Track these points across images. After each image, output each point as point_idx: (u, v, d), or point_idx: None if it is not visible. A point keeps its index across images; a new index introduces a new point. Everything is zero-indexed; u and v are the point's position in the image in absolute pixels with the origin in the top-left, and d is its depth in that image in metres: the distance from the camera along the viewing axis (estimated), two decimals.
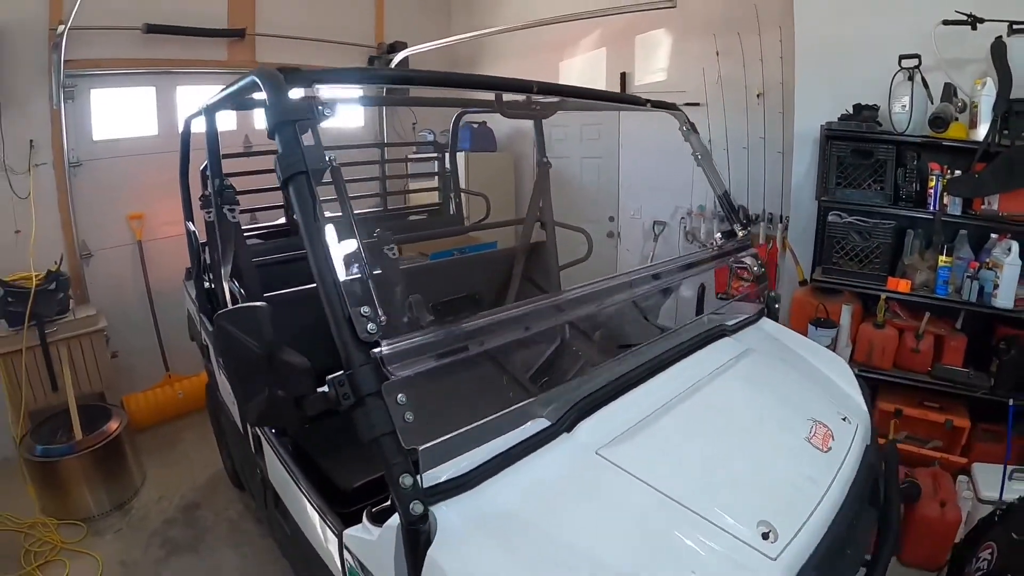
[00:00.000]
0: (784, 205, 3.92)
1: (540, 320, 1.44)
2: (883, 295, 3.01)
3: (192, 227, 2.84)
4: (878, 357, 3.07)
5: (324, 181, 1.19)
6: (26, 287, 3.23)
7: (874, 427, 1.95)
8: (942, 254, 2.88)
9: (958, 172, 2.84)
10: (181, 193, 2.84)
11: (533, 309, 1.47)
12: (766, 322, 2.27)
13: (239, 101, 1.76)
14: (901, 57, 2.90)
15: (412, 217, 4.18)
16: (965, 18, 2.83)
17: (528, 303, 1.45)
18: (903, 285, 2.96)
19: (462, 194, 4.11)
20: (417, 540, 1.10)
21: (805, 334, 3.12)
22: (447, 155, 4.01)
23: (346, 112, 5.30)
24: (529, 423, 1.36)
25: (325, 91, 1.39)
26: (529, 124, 5.40)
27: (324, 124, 1.24)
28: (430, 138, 4.25)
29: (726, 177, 4.22)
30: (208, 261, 2.73)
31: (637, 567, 1.12)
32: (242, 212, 2.40)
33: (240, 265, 2.28)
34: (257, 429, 2.02)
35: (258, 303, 1.22)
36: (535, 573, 1.08)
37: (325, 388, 1.10)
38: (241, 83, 1.48)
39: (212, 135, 2.16)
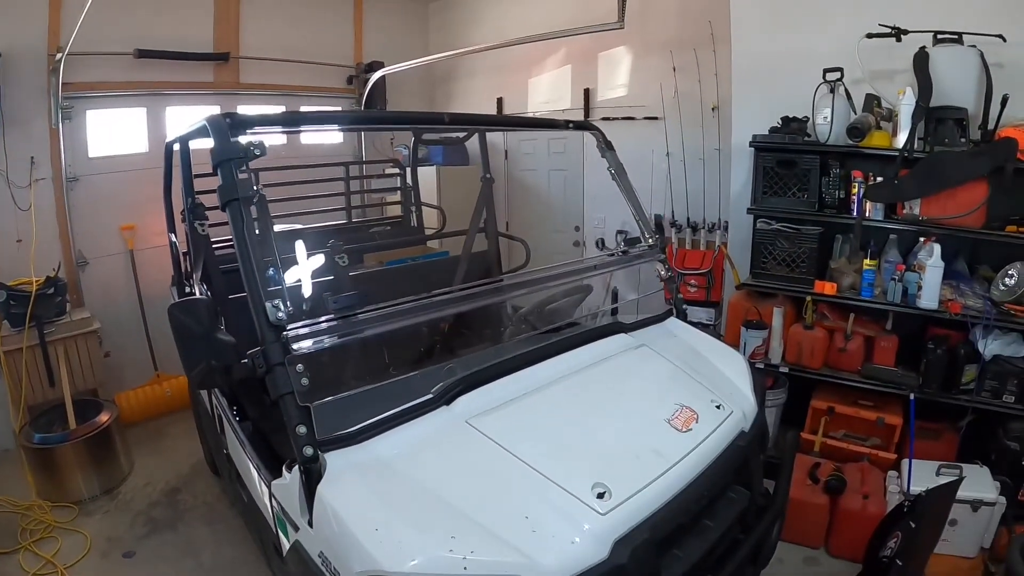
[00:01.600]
0: (725, 213, 4.10)
1: (426, 312, 1.75)
2: (808, 297, 3.17)
3: (174, 238, 3.16)
4: (808, 357, 3.22)
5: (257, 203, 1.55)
6: (27, 291, 3.54)
7: (762, 417, 2.14)
8: (867, 258, 3.02)
9: (881, 179, 2.98)
10: (164, 208, 3.16)
11: (421, 304, 1.74)
12: (672, 321, 2.47)
13: (201, 137, 2.10)
14: (824, 71, 3.05)
15: (374, 229, 4.44)
16: (889, 31, 2.97)
17: (419, 298, 1.74)
18: (829, 288, 3.10)
19: (423, 207, 4.36)
20: (311, 477, 1.42)
21: (738, 335, 3.32)
22: (408, 171, 4.28)
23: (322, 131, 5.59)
24: (419, 399, 1.65)
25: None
26: (500, 140, 5.72)
27: (304, 140, 1.61)
28: (405, 153, 4.51)
29: (683, 187, 4.43)
30: (187, 268, 3.05)
31: (478, 508, 1.37)
32: (213, 226, 2.71)
33: (208, 270, 2.59)
34: (220, 410, 2.34)
35: (200, 297, 1.55)
36: (394, 504, 1.35)
37: (246, 360, 1.44)
38: (197, 126, 1.85)
39: (185, 160, 2.57)
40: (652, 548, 1.45)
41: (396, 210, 4.65)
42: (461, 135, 4.29)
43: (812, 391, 3.31)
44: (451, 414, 1.65)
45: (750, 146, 3.29)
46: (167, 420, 4.30)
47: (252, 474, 2.04)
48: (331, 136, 5.60)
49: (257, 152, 1.58)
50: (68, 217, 4.09)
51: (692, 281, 4.30)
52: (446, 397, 1.68)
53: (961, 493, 2.46)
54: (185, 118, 4.08)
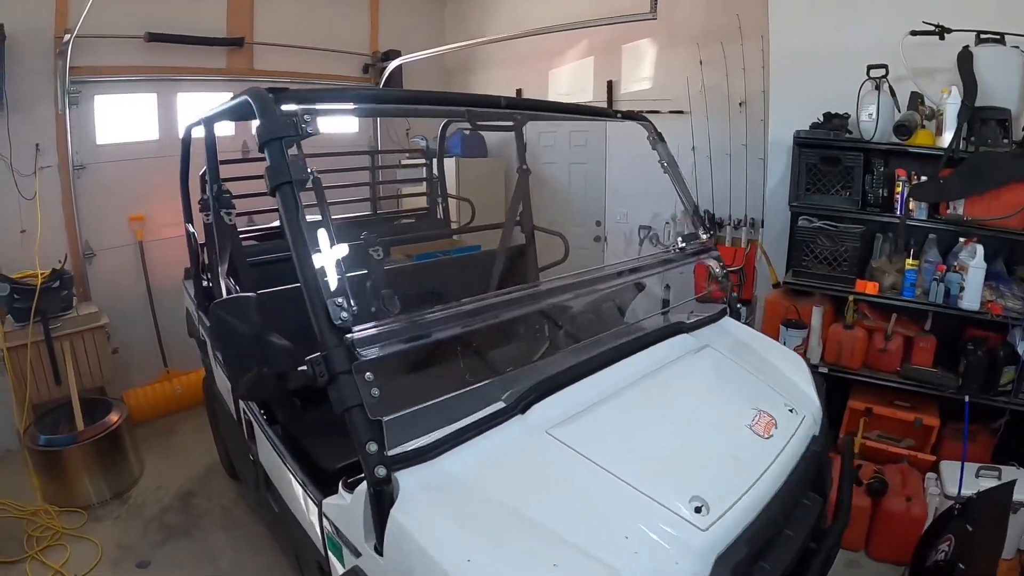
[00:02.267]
0: (759, 210, 4.03)
1: (498, 312, 1.60)
2: (851, 297, 3.10)
3: (191, 229, 3.01)
4: (847, 357, 3.16)
5: (307, 188, 1.37)
6: (32, 285, 3.37)
7: (825, 420, 2.06)
8: (908, 257, 2.97)
9: (924, 178, 2.93)
10: (181, 197, 3.00)
11: (495, 302, 1.62)
12: (727, 321, 2.38)
13: (235, 115, 1.93)
14: (869, 67, 2.99)
15: (401, 221, 4.31)
16: (933, 28, 2.91)
17: (486, 297, 1.59)
18: (871, 287, 3.04)
19: (449, 199, 4.24)
20: (382, 501, 1.26)
21: (777, 334, 3.25)
22: (435, 161, 4.15)
23: (340, 120, 5.47)
24: (489, 407, 1.50)
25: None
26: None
27: (321, 128, 1.43)
28: (423, 144, 4.37)
29: (708, 183, 4.35)
30: (206, 261, 2.90)
31: (572, 530, 1.24)
32: (238, 215, 2.57)
33: (236, 264, 2.45)
34: (250, 415, 2.19)
35: (248, 294, 1.39)
36: (483, 530, 1.21)
37: (305, 367, 1.27)
38: (236, 101, 1.64)
39: (211, 144, 2.35)
40: (751, 564, 1.36)
41: (418, 202, 4.52)
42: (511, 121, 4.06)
43: (848, 392, 3.25)
44: (527, 424, 1.51)
45: (795, 143, 3.21)
46: (177, 418, 4.15)
47: (294, 488, 1.88)
48: (347, 125, 5.47)
49: (309, 130, 1.41)
50: (75, 207, 3.92)
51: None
52: (520, 406, 1.54)
53: None
54: (197, 104, 3.94)
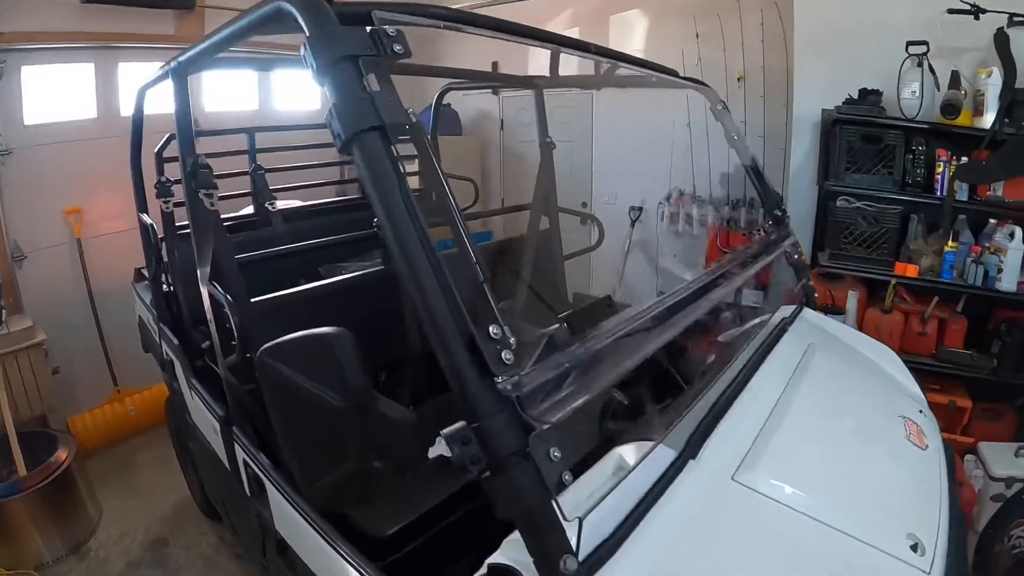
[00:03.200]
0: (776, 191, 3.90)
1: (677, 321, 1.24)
2: (893, 280, 3.01)
3: (148, 219, 2.44)
4: (885, 341, 2.96)
5: (404, 137, 0.89)
6: None
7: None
8: (949, 240, 2.90)
9: (964, 159, 2.87)
10: (132, 179, 2.44)
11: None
12: (808, 312, 2.17)
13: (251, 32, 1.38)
14: (908, 43, 2.88)
15: None
16: (969, 8, 2.83)
17: (664, 300, 1.24)
18: (911, 270, 2.98)
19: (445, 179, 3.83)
20: None
21: None
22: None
23: (296, 92, 4.89)
24: (653, 453, 1.14)
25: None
26: (495, 107, 5.26)
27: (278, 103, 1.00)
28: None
29: (705, 163, 4.17)
30: (167, 260, 2.37)
31: None
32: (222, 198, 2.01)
33: (221, 264, 1.83)
34: (258, 469, 1.68)
35: (329, 329, 0.90)
36: None
37: (443, 450, 0.79)
38: (250, 17, 1.11)
39: (183, 104, 1.73)
40: None
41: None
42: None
43: None
44: (705, 471, 1.18)
45: (831, 121, 3.07)
46: (134, 444, 3.57)
47: (332, 564, 1.36)
48: (308, 100, 4.95)
49: (397, 48, 0.91)
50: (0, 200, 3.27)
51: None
52: (690, 448, 1.21)
53: None
54: (141, 77, 3.31)
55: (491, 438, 0.80)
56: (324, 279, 2.88)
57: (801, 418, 1.42)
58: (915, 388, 1.93)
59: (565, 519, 0.82)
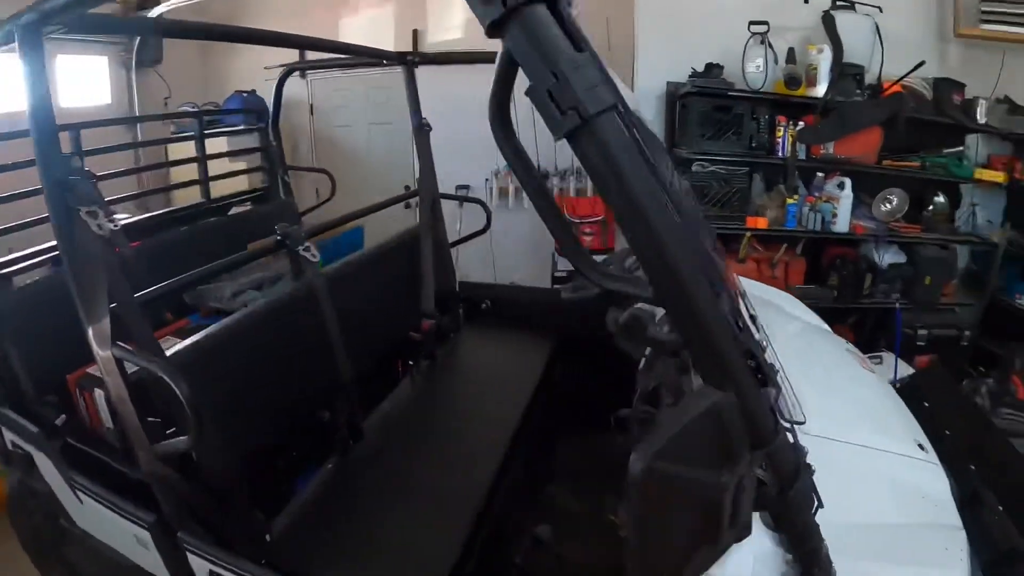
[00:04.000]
0: None
1: None
2: (747, 233, 3.41)
3: None
4: None
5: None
6: None
7: None
8: (793, 193, 3.37)
9: (800, 124, 3.32)
10: None
11: None
12: None
13: None
14: (751, 23, 3.25)
15: (234, 209, 3.39)
16: None
17: None
18: (761, 222, 3.41)
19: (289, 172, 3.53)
20: None
21: None
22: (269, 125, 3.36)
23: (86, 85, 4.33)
24: None
25: None
26: (304, 92, 4.98)
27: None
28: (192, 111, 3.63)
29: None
30: None
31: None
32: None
33: (124, 317, 1.19)
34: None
35: (711, 392, 0.71)
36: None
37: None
38: None
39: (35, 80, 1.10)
40: None
41: (239, 182, 3.66)
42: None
43: None
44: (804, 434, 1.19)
45: (684, 93, 3.35)
46: None
47: None
48: (98, 93, 4.35)
49: None
50: None
51: (587, 230, 4.18)
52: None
53: None
54: None
55: (785, 460, 0.81)
56: (193, 307, 2.43)
57: (789, 363, 1.48)
58: (826, 326, 2.12)
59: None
